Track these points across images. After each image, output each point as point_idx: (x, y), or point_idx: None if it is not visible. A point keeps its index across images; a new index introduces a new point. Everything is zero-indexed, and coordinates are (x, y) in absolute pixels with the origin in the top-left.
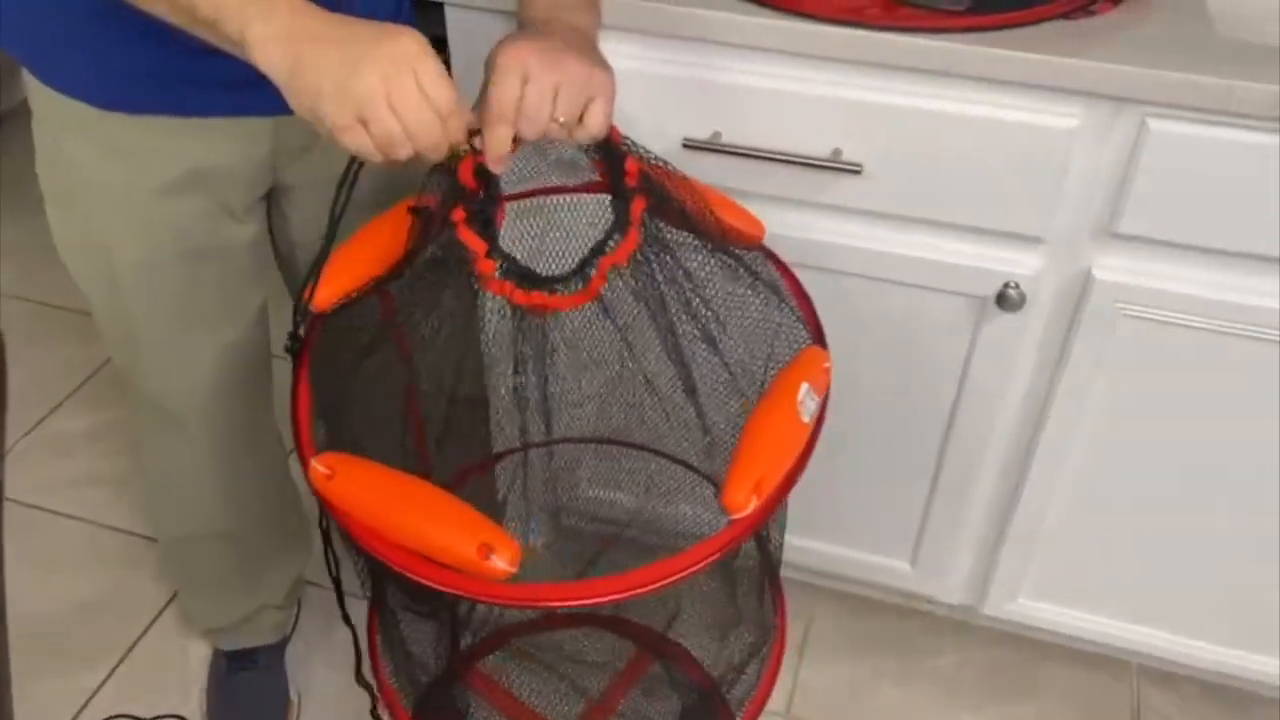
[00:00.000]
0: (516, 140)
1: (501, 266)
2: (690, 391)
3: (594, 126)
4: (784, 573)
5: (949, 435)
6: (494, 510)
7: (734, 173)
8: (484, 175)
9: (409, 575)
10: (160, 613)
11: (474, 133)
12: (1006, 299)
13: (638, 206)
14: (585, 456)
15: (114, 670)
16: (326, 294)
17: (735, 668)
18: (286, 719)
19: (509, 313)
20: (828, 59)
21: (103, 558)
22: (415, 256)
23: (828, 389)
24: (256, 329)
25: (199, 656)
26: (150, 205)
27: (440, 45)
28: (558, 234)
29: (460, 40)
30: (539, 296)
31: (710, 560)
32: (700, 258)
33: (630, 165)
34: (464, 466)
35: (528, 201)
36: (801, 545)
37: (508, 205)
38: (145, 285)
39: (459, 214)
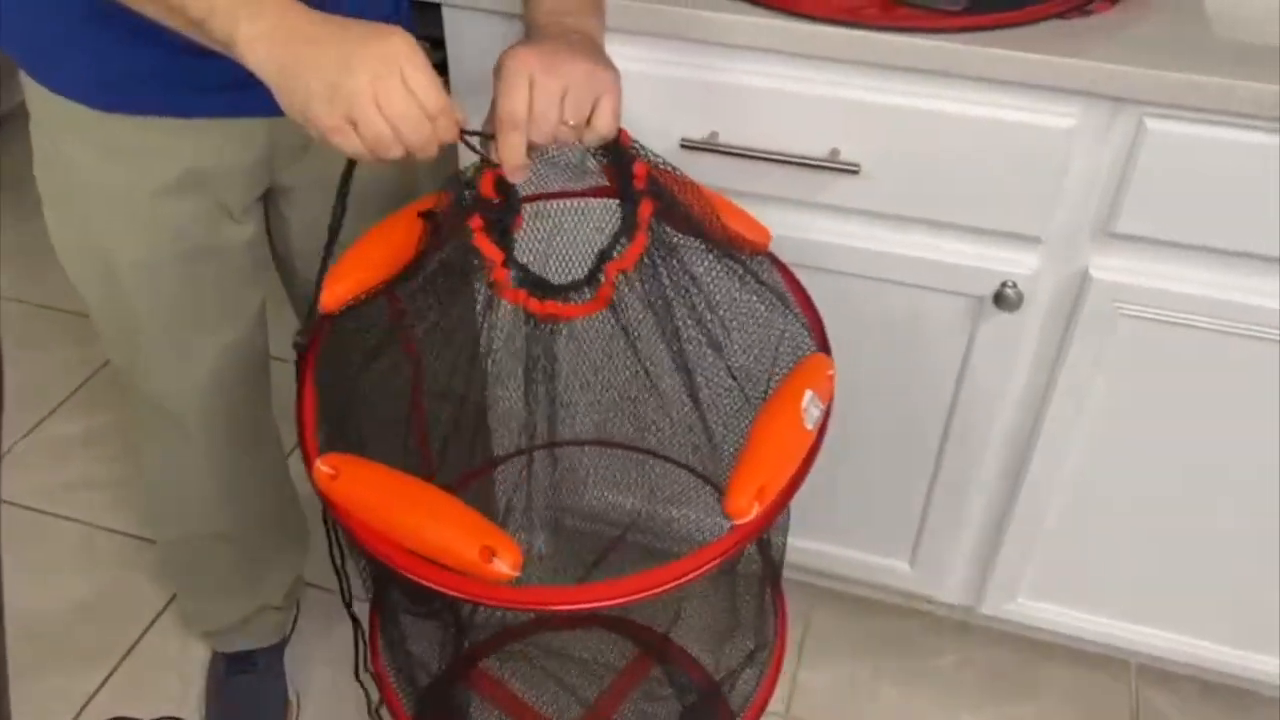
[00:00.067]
0: (530, 148)
1: (516, 275)
2: (695, 397)
3: (602, 127)
4: (783, 573)
5: (948, 435)
6: (495, 514)
7: (731, 173)
8: (503, 186)
9: (411, 577)
10: (159, 615)
11: (466, 132)
12: (1004, 298)
13: (645, 209)
14: (589, 460)
15: (112, 672)
16: (334, 295)
17: (736, 670)
18: None
19: (520, 318)
20: (825, 59)
21: (101, 560)
22: (425, 261)
23: (831, 396)
24: (255, 329)
25: (197, 658)
26: (148, 206)
27: (438, 46)
28: (563, 238)
29: (457, 41)
30: (552, 305)
31: (712, 565)
32: (706, 263)
33: (638, 168)
34: (468, 470)
35: (532, 206)
36: (801, 546)
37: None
38: (143, 286)
39: (476, 221)
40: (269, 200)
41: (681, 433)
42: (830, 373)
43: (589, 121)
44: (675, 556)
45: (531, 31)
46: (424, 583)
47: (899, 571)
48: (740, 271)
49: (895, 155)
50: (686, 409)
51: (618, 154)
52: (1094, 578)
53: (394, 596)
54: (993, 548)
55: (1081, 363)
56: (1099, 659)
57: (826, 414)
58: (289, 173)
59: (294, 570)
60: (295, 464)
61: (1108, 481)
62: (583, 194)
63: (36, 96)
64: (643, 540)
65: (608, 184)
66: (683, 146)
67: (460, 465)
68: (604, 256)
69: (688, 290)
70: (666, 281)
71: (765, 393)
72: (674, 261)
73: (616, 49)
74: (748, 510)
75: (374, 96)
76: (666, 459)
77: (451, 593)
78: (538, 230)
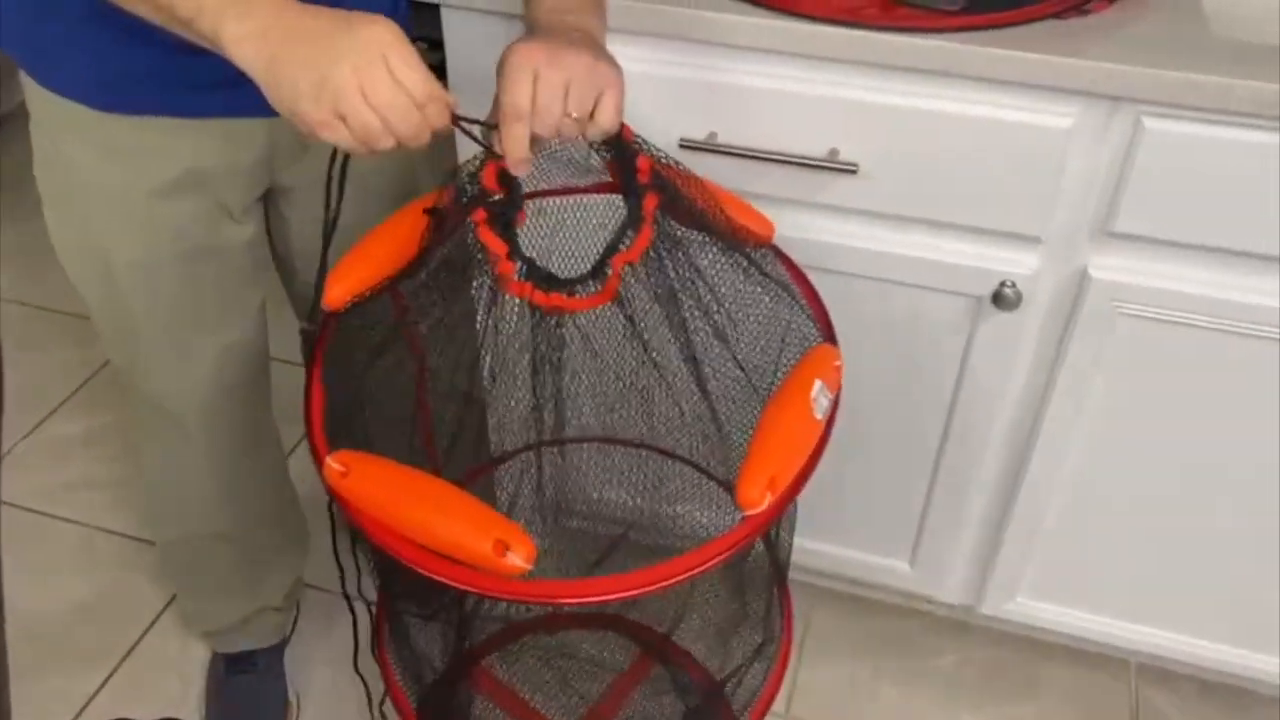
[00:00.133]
0: (534, 141)
1: (521, 269)
2: (703, 388)
3: (605, 121)
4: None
5: (947, 434)
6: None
7: (730, 173)
8: (506, 179)
9: (423, 572)
10: (159, 615)
11: (462, 118)
12: (1003, 298)
13: (650, 203)
14: (594, 457)
15: (112, 673)
16: (339, 292)
17: (740, 669)
18: None
19: (526, 314)
20: (824, 59)
21: (100, 561)
22: (429, 256)
23: (839, 386)
24: (255, 330)
25: (197, 659)
26: (148, 206)
27: (435, 47)
28: (565, 235)
29: (455, 41)
30: (558, 298)
31: (724, 557)
32: (710, 255)
33: (642, 162)
34: (473, 467)
35: (534, 204)
36: (801, 545)
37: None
38: (143, 286)
39: (480, 215)
40: (269, 200)
41: (690, 424)
42: (837, 363)
43: (592, 116)
44: (679, 553)
45: (533, 29)
46: (437, 578)
47: (899, 571)
48: (744, 264)
49: (894, 155)
50: (695, 400)
51: (620, 149)
52: (1093, 577)
53: (398, 596)
54: (992, 547)
55: (1081, 362)
56: (1099, 658)
57: (835, 404)
58: (289, 173)
59: (294, 571)
60: (295, 464)
61: (1107, 481)
62: (586, 190)
63: (36, 97)
64: (644, 539)
65: (611, 180)
66: (682, 146)
67: (464, 462)
68: (610, 250)
69: (693, 282)
70: (672, 274)
71: (772, 384)
72: (679, 254)
73: (617, 49)
74: (759, 501)
75: (360, 88)
76: (673, 455)
77: (465, 587)
78: (539, 227)
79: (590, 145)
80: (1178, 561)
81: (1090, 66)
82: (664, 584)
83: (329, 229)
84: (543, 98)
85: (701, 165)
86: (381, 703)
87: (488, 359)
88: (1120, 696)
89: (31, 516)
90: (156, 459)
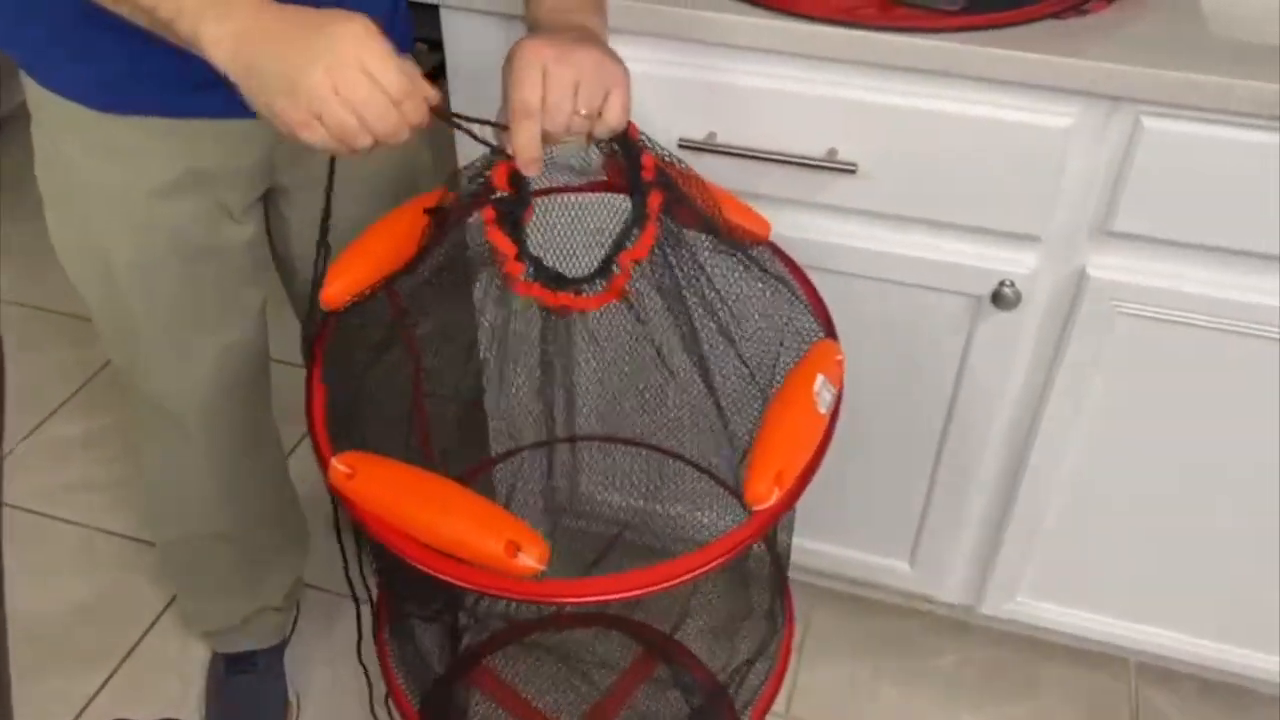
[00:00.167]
0: (544, 139)
1: (529, 269)
2: (710, 385)
3: (613, 119)
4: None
5: (947, 434)
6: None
7: (729, 173)
8: (515, 178)
9: (430, 572)
10: (159, 616)
11: (456, 116)
12: (1002, 297)
13: (655, 200)
14: (599, 455)
15: (112, 674)
16: (338, 289)
17: (741, 670)
18: None
19: (525, 313)
20: (823, 59)
21: (100, 562)
22: (428, 255)
23: (842, 381)
24: (255, 330)
25: (197, 660)
26: (148, 206)
27: (435, 48)
28: (558, 235)
29: (455, 43)
30: (566, 297)
31: (733, 553)
32: (710, 253)
33: (646, 160)
34: (473, 466)
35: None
36: (801, 545)
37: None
38: (143, 286)
39: (489, 214)
40: (269, 200)
41: (696, 420)
42: (839, 358)
43: (599, 113)
44: (676, 554)
45: (535, 27)
46: (444, 579)
47: (899, 571)
48: (744, 261)
49: (893, 155)
50: (701, 397)
51: (626, 146)
52: (1093, 577)
53: (399, 597)
54: (992, 547)
55: (1080, 362)
56: (1098, 658)
57: (838, 398)
58: (289, 173)
59: (294, 571)
60: (295, 464)
61: (1107, 480)
62: (588, 189)
63: (36, 97)
64: (639, 539)
65: (607, 180)
66: (681, 146)
67: (463, 462)
68: (616, 247)
69: (696, 279)
70: (677, 271)
71: (771, 381)
72: (682, 251)
73: (617, 49)
74: (767, 496)
75: (334, 87)
76: (679, 457)
77: (475, 588)
78: (533, 229)
79: (595, 143)
80: (1178, 561)
81: (1089, 66)
82: (674, 581)
83: (324, 235)
84: (553, 95)
85: (701, 165)
86: (385, 699)
87: (493, 359)
88: (1120, 696)
89: (31, 518)
90: (156, 459)
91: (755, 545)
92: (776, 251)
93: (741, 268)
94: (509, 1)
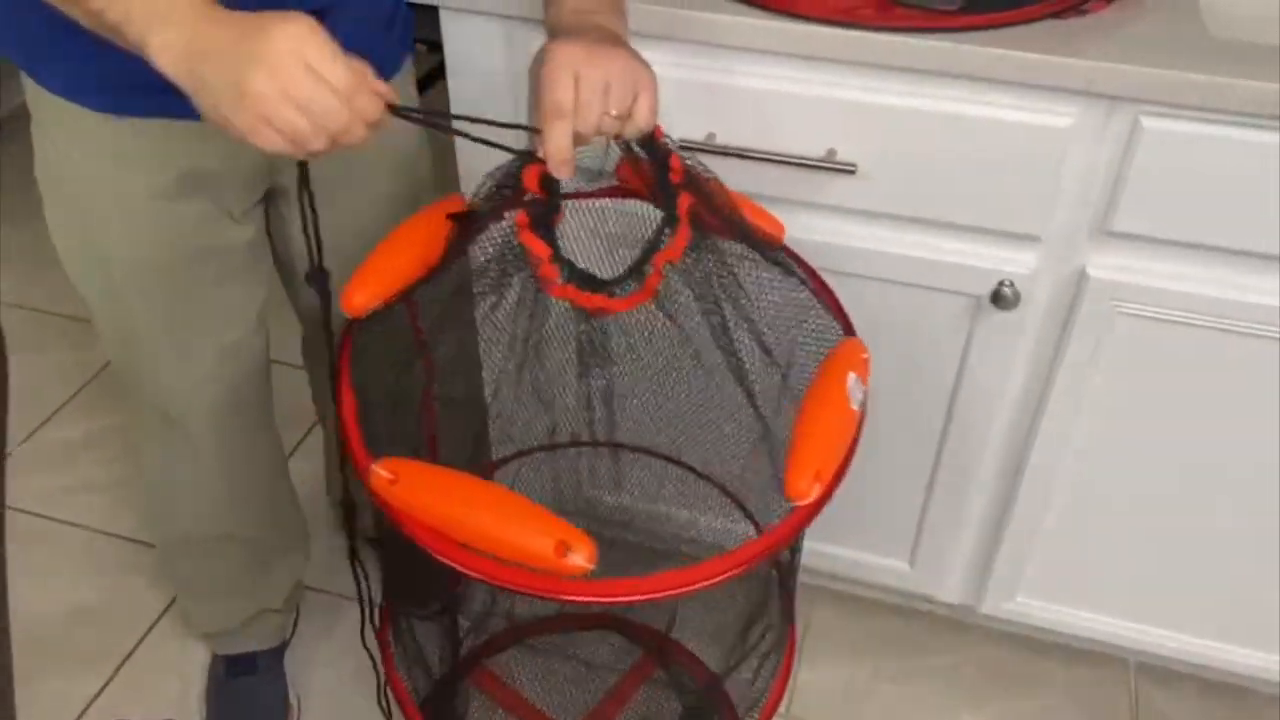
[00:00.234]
0: (575, 140)
1: (564, 271)
2: (744, 385)
3: (641, 120)
4: None
5: (946, 434)
6: None
7: (729, 174)
8: (547, 181)
9: (475, 576)
10: (159, 618)
11: (394, 107)
12: (1001, 297)
13: (684, 202)
14: (633, 461)
15: (113, 675)
16: (362, 299)
17: (739, 666)
18: None
19: (554, 316)
20: (821, 59)
21: (100, 564)
22: (455, 261)
23: (869, 377)
24: (256, 331)
25: (198, 661)
26: (148, 207)
27: (435, 49)
28: (573, 239)
29: (455, 44)
30: (601, 299)
31: (776, 549)
32: (735, 252)
33: (674, 162)
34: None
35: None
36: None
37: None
38: (144, 287)
39: (521, 218)
40: (269, 202)
41: (734, 418)
42: (865, 356)
43: (629, 115)
44: (677, 558)
45: (560, 31)
46: (494, 582)
47: (899, 571)
48: (768, 262)
49: (892, 155)
50: (736, 396)
51: (652, 149)
52: (1093, 576)
53: (405, 598)
54: (992, 547)
55: (1079, 361)
56: (1098, 657)
57: (866, 395)
58: (289, 174)
59: (294, 573)
60: (295, 465)
61: (1106, 480)
62: (607, 194)
63: (37, 99)
64: (639, 540)
65: (621, 185)
66: (680, 147)
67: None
68: (650, 249)
69: (723, 279)
70: (711, 269)
71: (785, 378)
72: (708, 252)
73: None
74: (808, 491)
75: (279, 90)
76: (705, 477)
77: (523, 590)
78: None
79: (619, 145)
80: (1178, 561)
81: (1088, 66)
82: (717, 579)
83: (312, 242)
84: (584, 96)
85: None
86: (386, 692)
87: (528, 362)
88: (1120, 695)
89: (32, 519)
90: (157, 460)
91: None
92: (789, 253)
93: (763, 268)
94: (508, 3)
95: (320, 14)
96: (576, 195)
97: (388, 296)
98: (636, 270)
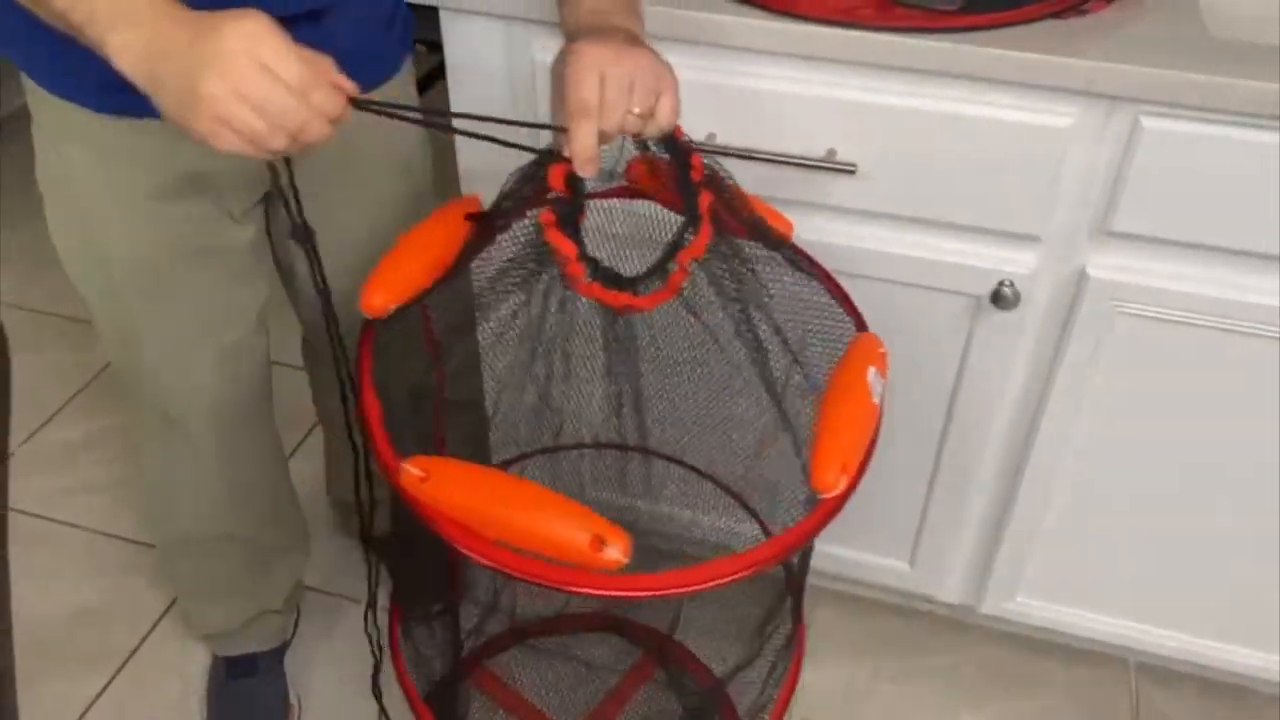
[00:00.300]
0: (600, 139)
1: (589, 269)
2: (770, 385)
3: (664, 119)
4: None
5: (946, 434)
6: None
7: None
8: (572, 180)
9: (509, 573)
10: (159, 619)
11: (356, 100)
12: (1001, 297)
13: (706, 200)
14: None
15: (114, 677)
16: (382, 299)
17: (752, 675)
18: None
19: (594, 314)
20: (821, 59)
21: (101, 565)
22: (470, 262)
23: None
24: (256, 331)
25: (199, 662)
26: (148, 208)
27: (434, 49)
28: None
29: (454, 44)
30: (627, 297)
31: (804, 541)
32: (750, 249)
33: (696, 161)
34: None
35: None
36: None
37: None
38: (144, 287)
39: (547, 217)
40: (269, 202)
41: (757, 415)
42: (882, 350)
43: (651, 114)
44: (683, 558)
45: (580, 32)
46: (528, 579)
47: (899, 571)
48: (784, 259)
49: (892, 155)
50: (759, 392)
51: (673, 148)
52: (1093, 576)
53: (413, 599)
54: (992, 547)
55: (1079, 361)
56: (1098, 657)
57: (885, 389)
58: (287, 175)
59: (295, 574)
60: (295, 466)
61: (1106, 480)
62: (624, 195)
63: (37, 100)
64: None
65: (629, 185)
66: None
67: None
68: (674, 247)
69: (742, 276)
70: (733, 266)
71: (806, 374)
72: (728, 250)
73: None
74: (836, 483)
75: (232, 90)
76: (727, 489)
77: (556, 586)
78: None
79: (637, 144)
80: (1177, 560)
81: (1088, 66)
82: (748, 571)
83: (305, 247)
84: (609, 95)
85: None
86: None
87: (556, 360)
88: (1120, 695)
89: (32, 521)
90: (157, 461)
91: None
92: (798, 250)
93: (777, 265)
94: (508, 3)
95: (320, 14)
96: (588, 195)
97: (407, 297)
98: (660, 268)
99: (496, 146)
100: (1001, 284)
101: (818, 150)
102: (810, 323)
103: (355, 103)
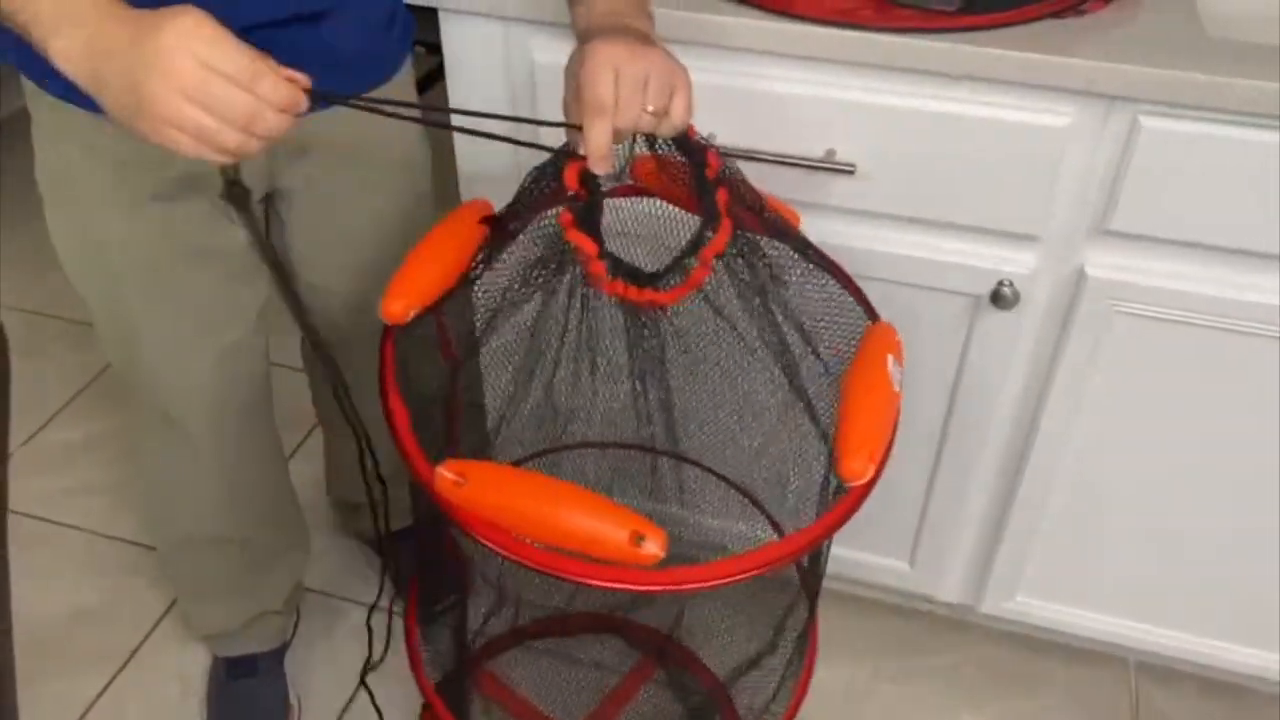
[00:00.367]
0: (614, 137)
1: (610, 267)
2: (792, 379)
3: (678, 117)
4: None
5: (946, 433)
6: None
7: None
8: (587, 178)
9: (549, 573)
10: (160, 620)
11: (312, 90)
12: (1001, 297)
13: (723, 196)
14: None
15: (114, 678)
16: (400, 306)
17: (757, 676)
18: None
19: (617, 312)
20: (821, 60)
21: (101, 566)
22: (487, 266)
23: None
24: (256, 332)
25: (199, 663)
26: (148, 209)
27: (433, 51)
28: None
29: (454, 45)
30: (649, 293)
31: (835, 529)
32: (767, 245)
33: (711, 158)
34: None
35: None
36: None
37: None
38: (144, 288)
39: (566, 217)
40: (268, 203)
41: (783, 410)
42: (898, 339)
43: (665, 112)
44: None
45: (593, 32)
46: (566, 577)
47: (899, 571)
48: (798, 252)
49: (891, 155)
50: (784, 386)
51: (686, 147)
52: (1093, 575)
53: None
54: (992, 547)
55: (1079, 361)
56: (1098, 656)
57: (902, 377)
58: (288, 175)
59: (295, 574)
60: (295, 467)
61: (1106, 479)
62: (630, 193)
63: (37, 101)
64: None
65: (632, 185)
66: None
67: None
68: (695, 243)
69: (759, 270)
70: (751, 260)
71: (826, 366)
72: (744, 244)
73: None
74: (864, 471)
75: (175, 88)
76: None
77: (596, 583)
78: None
79: (650, 143)
80: (1177, 559)
81: (1087, 66)
82: (787, 560)
83: (234, 196)
84: (625, 93)
85: None
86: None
87: (582, 360)
88: (1120, 694)
89: (32, 522)
90: (157, 461)
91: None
92: (809, 243)
93: (789, 257)
94: (507, 4)
95: (319, 16)
96: (621, 193)
97: (425, 303)
98: (680, 264)
99: (496, 150)
100: (1001, 284)
101: (817, 150)
102: (825, 313)
103: (311, 92)
